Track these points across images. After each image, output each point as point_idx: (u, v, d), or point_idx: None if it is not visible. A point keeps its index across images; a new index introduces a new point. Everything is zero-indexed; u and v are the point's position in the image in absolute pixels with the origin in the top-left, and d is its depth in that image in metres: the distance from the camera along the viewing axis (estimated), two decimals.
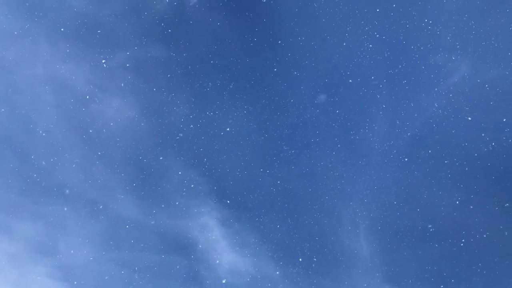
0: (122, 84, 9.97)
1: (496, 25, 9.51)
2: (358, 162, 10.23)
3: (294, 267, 10.27)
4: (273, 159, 10.33)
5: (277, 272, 10.29)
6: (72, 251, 10.10)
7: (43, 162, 9.93)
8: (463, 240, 9.95)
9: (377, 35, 9.94)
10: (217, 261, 10.32)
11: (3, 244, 9.84)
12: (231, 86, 10.20)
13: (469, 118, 9.74)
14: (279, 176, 10.34)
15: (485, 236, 9.91)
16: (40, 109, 9.85)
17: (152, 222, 10.20)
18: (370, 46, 9.98)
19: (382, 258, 10.15)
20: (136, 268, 10.19)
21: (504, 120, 9.62)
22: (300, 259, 10.28)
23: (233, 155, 10.29)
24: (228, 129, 10.23)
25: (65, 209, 10.05)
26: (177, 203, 10.21)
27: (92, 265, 10.13)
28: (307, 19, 10.02)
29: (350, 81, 10.12)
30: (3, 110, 9.75)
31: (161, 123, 10.10)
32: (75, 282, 10.09)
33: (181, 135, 10.14)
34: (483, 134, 9.74)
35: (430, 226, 10.05)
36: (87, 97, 9.93)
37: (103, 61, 9.85)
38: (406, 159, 10.10)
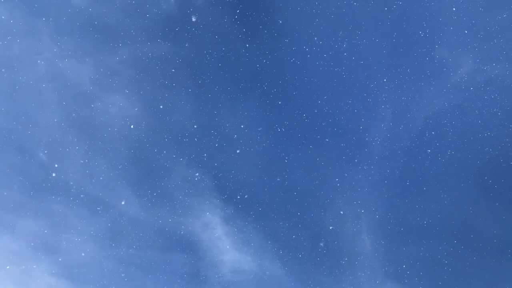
0: (125, 82, 9.97)
1: (500, 22, 9.56)
2: (361, 161, 10.27)
3: (297, 265, 10.29)
4: (276, 158, 10.35)
5: (280, 270, 10.31)
6: (75, 249, 10.07)
7: (46, 160, 9.90)
8: (464, 238, 10.00)
9: (380, 34, 9.98)
10: (220, 259, 10.33)
11: (6, 241, 9.81)
12: (234, 85, 10.23)
13: (475, 114, 9.79)
14: (282, 174, 10.36)
15: (486, 233, 9.96)
16: (43, 107, 9.83)
17: (155, 220, 10.20)
18: (373, 44, 10.03)
19: (385, 256, 10.19)
20: (139, 266, 10.19)
21: (508, 116, 9.67)
22: (303, 257, 10.30)
23: (236, 154, 10.31)
24: (231, 128, 10.24)
25: (68, 207, 10.02)
26: (180, 201, 10.22)
27: (94, 263, 10.11)
28: (310, 18, 10.04)
29: (353, 79, 10.16)
30: (6, 108, 9.72)
31: (164, 121, 10.11)
32: (78, 280, 10.07)
33: (185, 133, 10.16)
34: (486, 131, 9.79)
35: (431, 223, 10.10)
36: (91, 95, 9.92)
37: (107, 58, 9.85)
38: (409, 157, 10.15)
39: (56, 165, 9.90)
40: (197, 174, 10.25)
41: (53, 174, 9.91)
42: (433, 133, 10.04)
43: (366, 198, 10.25)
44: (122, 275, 10.12)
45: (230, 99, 10.24)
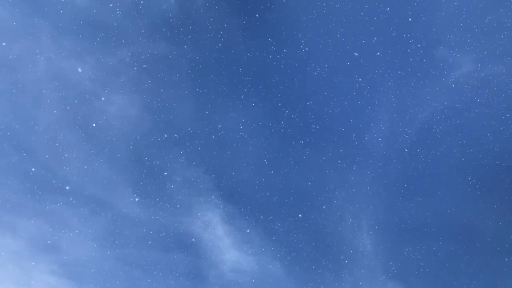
0: (126, 81, 9.97)
1: (500, 21, 9.57)
2: (361, 160, 10.28)
3: (297, 265, 10.31)
4: (276, 157, 10.36)
5: (280, 270, 10.33)
6: (74, 249, 10.08)
7: (46, 160, 9.90)
8: (465, 238, 10.02)
9: (380, 33, 9.99)
10: (220, 258, 10.34)
11: (6, 241, 9.82)
12: (234, 85, 10.24)
13: (472, 115, 9.81)
14: (282, 174, 10.37)
15: (486, 233, 9.99)
16: (43, 107, 9.82)
17: (155, 219, 10.20)
18: (373, 43, 10.03)
19: (385, 255, 10.21)
20: (139, 266, 10.19)
21: (507, 116, 9.69)
22: (303, 257, 10.31)
23: (236, 153, 10.32)
24: (231, 127, 10.25)
25: (68, 206, 10.02)
26: (180, 200, 10.23)
27: (95, 263, 10.12)
28: (310, 19, 10.05)
29: (353, 79, 10.17)
30: (6, 107, 9.72)
31: (164, 121, 10.12)
32: (78, 280, 10.08)
33: (185, 133, 10.17)
34: (486, 131, 9.80)
35: (432, 222, 10.12)
36: (90, 94, 9.92)
37: (107, 58, 9.86)
38: (408, 156, 10.16)
39: (55, 165, 9.91)
40: (197, 173, 10.27)
41: (53, 174, 9.89)
42: (431, 133, 10.07)
43: (365, 198, 10.28)
44: (122, 274, 10.14)
45: (230, 99, 10.26)
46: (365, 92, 10.17)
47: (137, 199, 10.17)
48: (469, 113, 9.86)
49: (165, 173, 10.01)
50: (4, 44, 9.54)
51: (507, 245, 9.85)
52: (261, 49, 10.16)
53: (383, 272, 10.18)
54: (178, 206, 10.23)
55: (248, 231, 10.35)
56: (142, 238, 10.22)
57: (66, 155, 9.93)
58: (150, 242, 10.23)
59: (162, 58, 10.01)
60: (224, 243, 10.35)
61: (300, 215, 10.31)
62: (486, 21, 9.63)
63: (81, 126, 9.95)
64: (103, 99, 9.93)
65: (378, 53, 10.01)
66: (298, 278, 10.25)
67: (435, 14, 9.80)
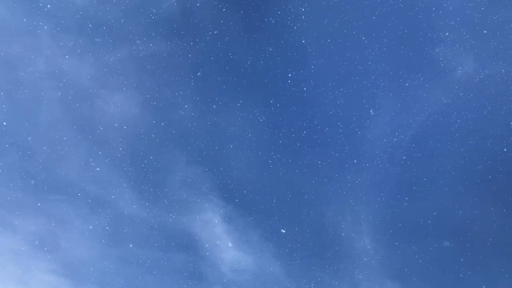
0: (126, 81, 9.97)
1: (501, 21, 9.55)
2: (361, 159, 10.28)
3: (297, 264, 10.31)
4: (276, 157, 10.36)
5: (280, 269, 10.34)
6: (74, 248, 10.10)
7: (46, 159, 9.91)
8: (464, 238, 10.02)
9: (380, 32, 9.97)
10: (220, 258, 10.36)
11: (6, 240, 9.83)
12: (235, 84, 10.23)
13: (472, 115, 9.80)
14: (281, 173, 10.37)
15: (486, 233, 9.98)
16: (43, 105, 9.83)
17: (155, 219, 10.22)
18: (372, 43, 10.02)
19: (384, 255, 10.21)
20: (138, 265, 10.21)
21: (507, 116, 9.68)
22: (303, 256, 10.32)
23: (236, 152, 10.32)
24: (231, 126, 10.26)
25: (68, 205, 10.04)
26: (180, 199, 10.24)
27: (94, 262, 10.14)
28: (310, 17, 10.04)
29: (352, 78, 10.17)
30: (5, 106, 9.72)
31: (164, 120, 10.12)
32: (77, 278, 10.10)
33: (185, 132, 10.17)
34: (486, 132, 9.79)
35: (431, 222, 10.12)
36: (90, 93, 9.92)
37: (107, 57, 9.85)
38: (408, 155, 10.15)
39: (55, 164, 9.92)
40: (197, 173, 10.28)
41: (53, 173, 9.89)
42: (430, 133, 10.07)
43: (366, 197, 10.28)
44: (122, 273, 10.16)
45: (231, 99, 10.25)
46: (365, 92, 10.17)
47: (136, 199, 10.18)
48: (469, 113, 9.86)
49: (162, 173, 10.01)
50: (3, 42, 9.54)
51: (507, 245, 9.85)
52: (261, 48, 10.16)
53: (383, 271, 10.19)
54: (177, 206, 10.24)
55: (247, 230, 10.37)
56: (141, 238, 10.24)
57: (65, 155, 9.95)
58: (149, 242, 10.26)
59: (162, 57, 10.02)
60: (224, 242, 10.37)
61: (299, 214, 10.33)
62: (487, 21, 9.61)
63: (80, 126, 9.95)
64: (103, 98, 9.94)
65: (376, 53, 10.01)
66: (297, 278, 10.27)
67: (435, 14, 9.78)
